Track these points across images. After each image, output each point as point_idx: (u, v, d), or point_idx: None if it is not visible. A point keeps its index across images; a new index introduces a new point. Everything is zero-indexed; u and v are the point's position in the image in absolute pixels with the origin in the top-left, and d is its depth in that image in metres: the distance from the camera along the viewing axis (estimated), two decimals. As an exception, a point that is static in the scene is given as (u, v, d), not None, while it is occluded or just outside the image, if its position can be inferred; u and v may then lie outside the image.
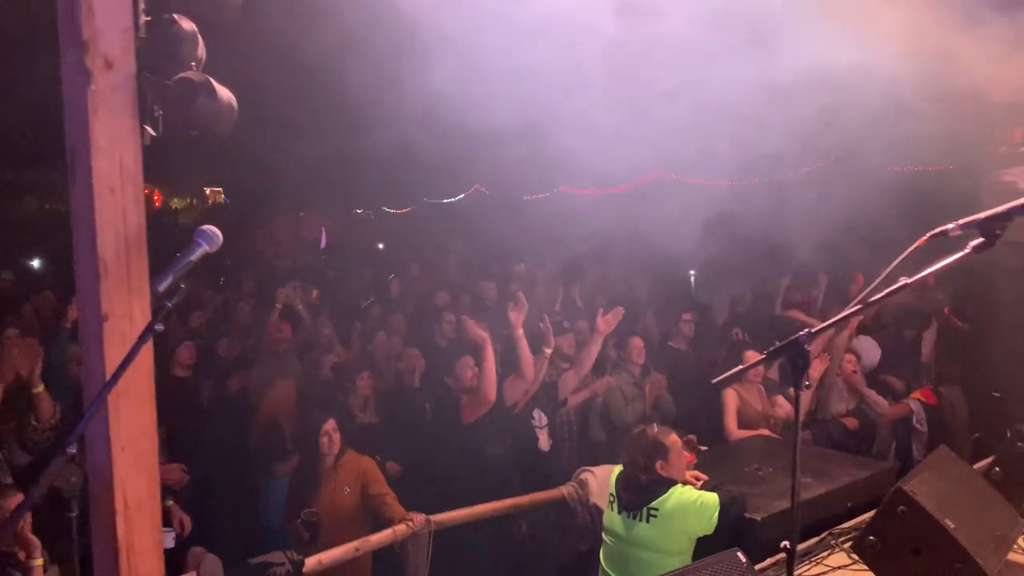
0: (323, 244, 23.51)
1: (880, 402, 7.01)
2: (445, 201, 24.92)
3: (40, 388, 4.91)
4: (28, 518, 3.12)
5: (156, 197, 32.74)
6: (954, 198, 12.04)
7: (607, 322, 6.01)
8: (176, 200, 34.84)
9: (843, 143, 13.53)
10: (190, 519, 4.81)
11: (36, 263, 17.31)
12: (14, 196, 24.15)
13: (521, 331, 5.62)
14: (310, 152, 17.29)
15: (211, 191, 35.47)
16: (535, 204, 20.80)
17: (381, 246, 20.97)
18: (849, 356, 6.98)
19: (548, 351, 5.93)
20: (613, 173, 17.00)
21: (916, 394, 7.23)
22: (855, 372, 6.92)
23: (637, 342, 6.87)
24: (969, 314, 9.43)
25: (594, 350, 6.04)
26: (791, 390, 6.23)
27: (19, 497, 3.75)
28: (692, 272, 13.80)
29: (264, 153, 16.39)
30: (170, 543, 4.38)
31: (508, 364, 5.86)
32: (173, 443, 5.34)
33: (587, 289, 11.22)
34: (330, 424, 4.96)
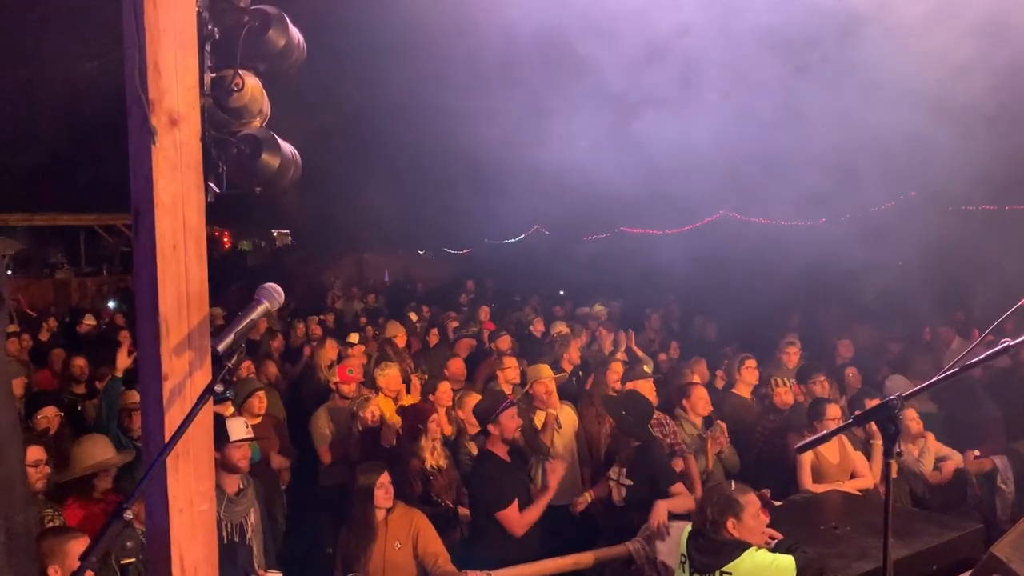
0: (386, 280, 23.84)
1: (955, 455, 6.61)
2: (505, 242, 25.02)
3: None
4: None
5: (225, 239, 33.63)
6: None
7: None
8: (244, 242, 35.69)
9: (916, 181, 13.20)
10: None
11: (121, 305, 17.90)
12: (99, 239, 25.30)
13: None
14: (374, 195, 17.60)
15: (278, 233, 36.29)
16: (595, 244, 20.74)
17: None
18: (910, 412, 6.59)
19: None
20: (677, 213, 16.97)
21: None
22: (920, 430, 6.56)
23: (702, 392, 6.57)
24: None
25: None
26: (880, 452, 5.99)
27: (83, 541, 3.74)
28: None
29: (329, 196, 16.73)
30: None
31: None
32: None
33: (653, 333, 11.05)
34: (385, 477, 4.89)
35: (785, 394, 6.92)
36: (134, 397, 6.19)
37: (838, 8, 7.57)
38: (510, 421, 5.33)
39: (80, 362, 7.82)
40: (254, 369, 7.92)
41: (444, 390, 6.94)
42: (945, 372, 2.28)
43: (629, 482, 5.56)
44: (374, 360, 8.88)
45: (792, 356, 8.14)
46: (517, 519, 5.10)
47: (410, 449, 6.02)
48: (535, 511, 5.21)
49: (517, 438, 5.44)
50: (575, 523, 5.96)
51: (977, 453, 6.86)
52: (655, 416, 6.33)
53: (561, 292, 17.13)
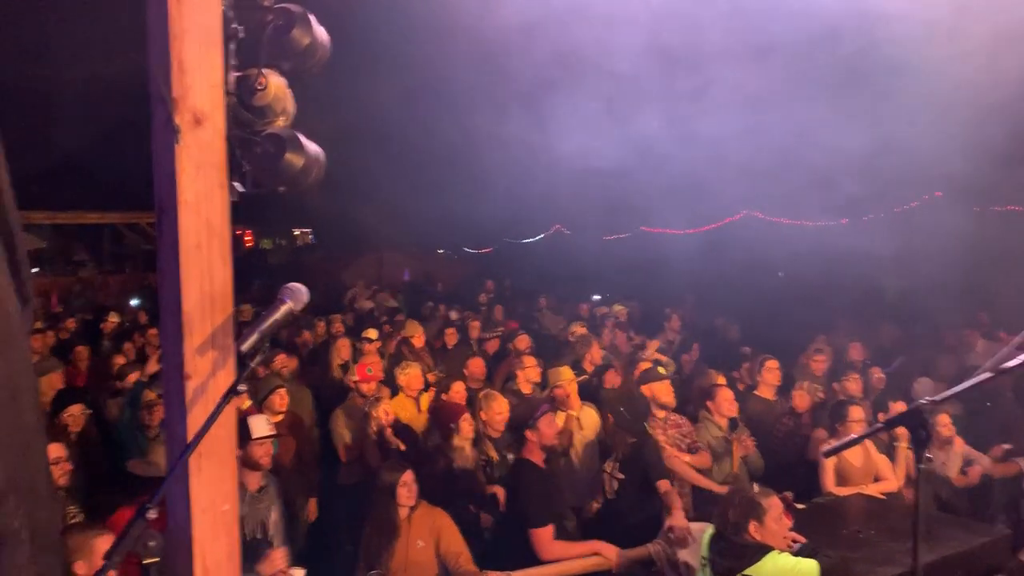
0: (406, 279, 23.85)
1: (982, 459, 6.50)
2: (524, 241, 25.01)
3: None
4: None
5: (247, 237, 33.86)
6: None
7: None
8: (265, 240, 35.93)
9: (941, 182, 13.06)
10: None
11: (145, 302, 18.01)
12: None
13: None
14: (394, 194, 17.66)
15: (300, 231, 36.54)
16: (616, 244, 20.68)
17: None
18: (943, 417, 6.49)
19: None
20: (698, 213, 16.89)
21: None
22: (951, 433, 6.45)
23: (727, 393, 6.48)
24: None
25: None
26: (904, 455, 5.90)
27: (109, 538, 3.75)
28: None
29: (350, 195, 16.81)
30: None
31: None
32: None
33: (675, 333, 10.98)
34: (408, 475, 4.86)
35: (801, 397, 6.86)
36: (150, 395, 6.23)
37: (862, 8, 7.49)
38: (548, 427, 5.20)
39: (120, 360, 7.89)
40: (286, 363, 7.90)
41: (457, 389, 6.84)
42: (979, 377, 2.24)
43: (621, 476, 5.57)
44: (388, 359, 8.84)
45: (820, 364, 8.01)
46: (549, 544, 4.92)
47: (439, 448, 5.98)
48: (569, 550, 5.02)
49: (555, 444, 5.35)
50: (583, 521, 6.00)
51: (1001, 449, 6.75)
52: (672, 417, 6.28)
53: (608, 295, 16.97)
